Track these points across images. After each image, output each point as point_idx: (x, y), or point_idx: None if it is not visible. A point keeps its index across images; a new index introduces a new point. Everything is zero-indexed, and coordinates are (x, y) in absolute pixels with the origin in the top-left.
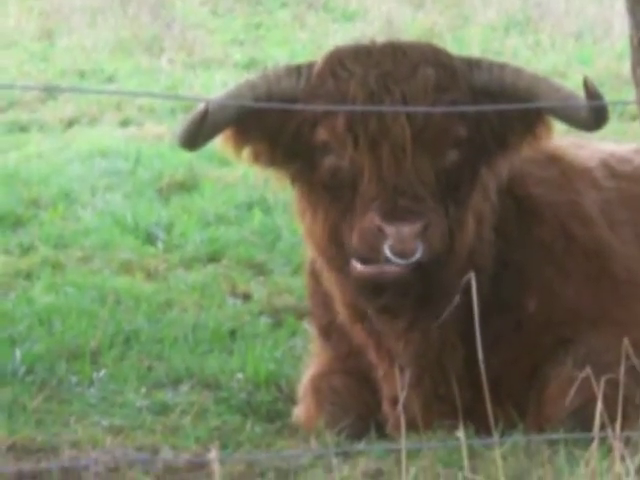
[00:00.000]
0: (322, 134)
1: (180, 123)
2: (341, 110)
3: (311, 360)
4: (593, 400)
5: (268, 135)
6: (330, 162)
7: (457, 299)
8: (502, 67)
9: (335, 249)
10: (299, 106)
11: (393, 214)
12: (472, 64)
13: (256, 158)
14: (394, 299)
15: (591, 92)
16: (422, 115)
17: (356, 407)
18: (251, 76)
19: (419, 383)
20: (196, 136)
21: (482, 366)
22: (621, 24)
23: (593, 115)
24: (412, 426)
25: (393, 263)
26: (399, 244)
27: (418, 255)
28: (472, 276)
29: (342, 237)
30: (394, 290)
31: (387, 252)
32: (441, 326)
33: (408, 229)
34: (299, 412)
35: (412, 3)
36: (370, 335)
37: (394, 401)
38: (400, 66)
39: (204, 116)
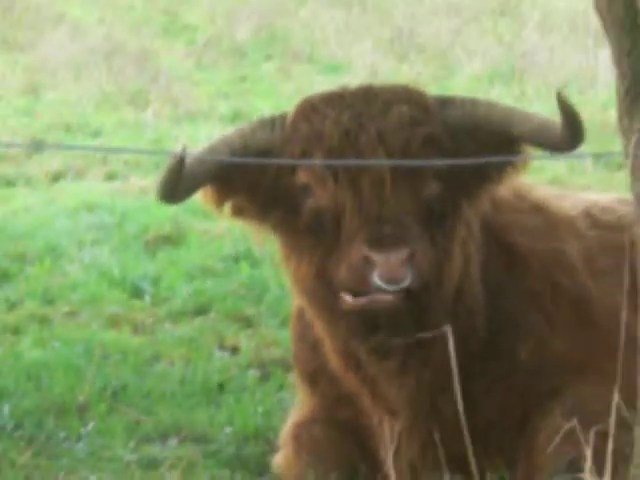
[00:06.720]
0: (302, 177)
1: (158, 177)
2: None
3: (295, 408)
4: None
5: (247, 186)
6: (311, 204)
7: (430, 334)
8: (474, 102)
9: (323, 288)
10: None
11: (379, 242)
12: (445, 101)
13: (238, 212)
14: (387, 334)
15: (565, 108)
16: (399, 148)
17: (335, 458)
18: (226, 131)
19: (414, 428)
20: (174, 188)
21: (462, 418)
22: (605, 74)
23: (568, 133)
24: (412, 471)
25: (383, 291)
26: (388, 271)
27: (407, 281)
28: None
29: (329, 274)
30: (386, 323)
31: (377, 280)
32: (434, 370)
33: (396, 256)
34: (279, 460)
35: (396, 54)
36: (364, 382)
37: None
38: (373, 106)
39: (179, 165)
